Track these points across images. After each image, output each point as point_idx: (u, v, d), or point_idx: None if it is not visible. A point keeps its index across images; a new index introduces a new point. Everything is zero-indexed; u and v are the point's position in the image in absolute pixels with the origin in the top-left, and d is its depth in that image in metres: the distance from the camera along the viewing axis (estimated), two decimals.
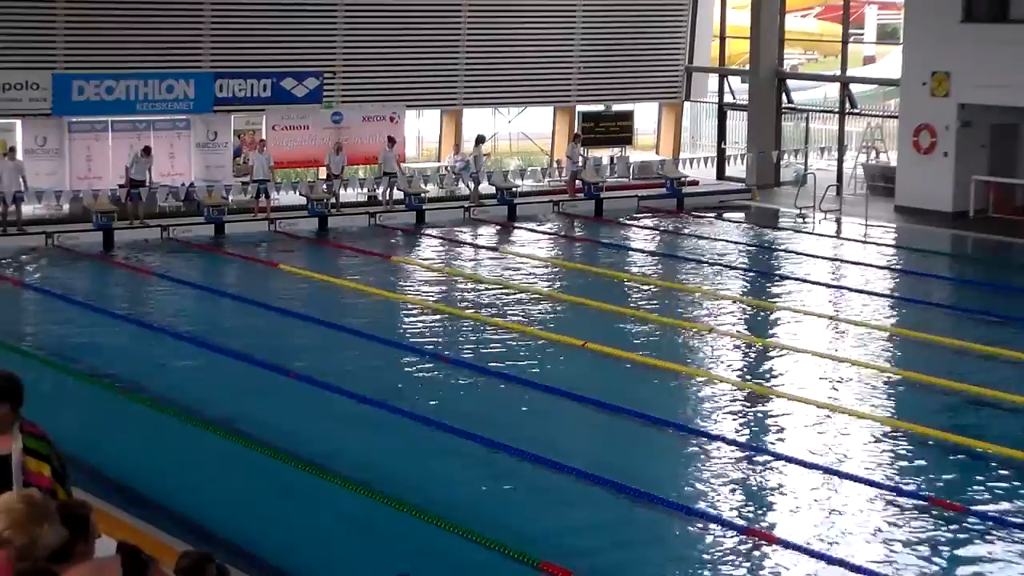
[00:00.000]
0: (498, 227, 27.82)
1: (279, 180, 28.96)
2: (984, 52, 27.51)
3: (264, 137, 28.52)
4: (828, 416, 14.70)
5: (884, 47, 41.89)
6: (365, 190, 29.98)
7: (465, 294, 21.32)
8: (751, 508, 11.98)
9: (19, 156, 25.87)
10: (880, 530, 11.50)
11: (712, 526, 11.46)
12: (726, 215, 29.88)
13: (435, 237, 26.64)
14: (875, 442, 13.93)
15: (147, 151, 26.38)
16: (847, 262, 24.49)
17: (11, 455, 6.50)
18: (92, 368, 16.19)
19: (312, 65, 29.43)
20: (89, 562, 4.80)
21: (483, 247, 25.91)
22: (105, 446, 13.46)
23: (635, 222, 28.43)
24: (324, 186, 28.23)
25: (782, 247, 26.02)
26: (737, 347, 18.12)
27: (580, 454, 13.22)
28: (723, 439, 13.85)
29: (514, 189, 29.70)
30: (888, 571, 10.54)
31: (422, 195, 28.46)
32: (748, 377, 16.53)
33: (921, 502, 12.01)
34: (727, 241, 26.45)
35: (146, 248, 24.90)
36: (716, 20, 35.20)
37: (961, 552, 11.09)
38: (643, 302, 20.71)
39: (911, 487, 12.46)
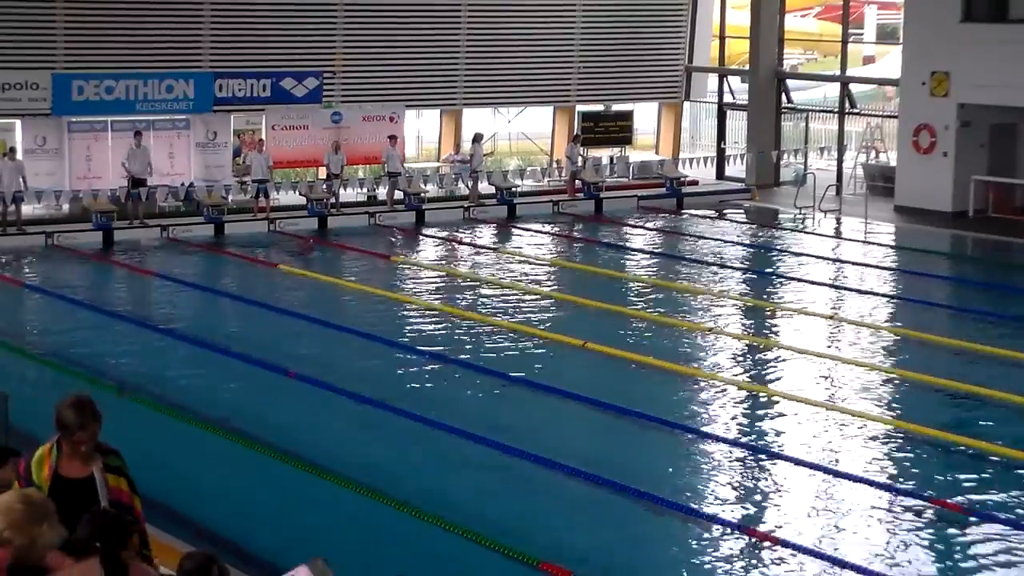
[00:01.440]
0: (498, 227, 27.82)
1: (279, 180, 28.97)
2: (983, 52, 27.51)
3: (263, 137, 28.54)
4: (828, 416, 14.71)
5: (884, 47, 41.90)
6: (365, 190, 29.99)
7: (465, 294, 21.32)
8: (751, 508, 11.98)
9: (19, 156, 25.87)
10: (880, 530, 11.51)
11: (712, 526, 11.46)
12: (726, 215, 29.89)
13: (435, 237, 26.64)
14: (875, 442, 13.93)
15: (137, 136, 26.37)
16: (847, 262, 24.48)
17: (94, 476, 6.62)
18: (92, 368, 16.18)
19: (312, 65, 29.43)
20: (71, 565, 4.79)
21: (483, 247, 25.90)
22: None
23: (635, 222, 28.42)
24: (324, 186, 28.23)
25: (782, 247, 26.02)
26: (737, 347, 18.12)
27: (580, 454, 13.22)
28: (723, 439, 13.85)
29: (514, 189, 29.70)
30: (888, 571, 10.54)
31: (422, 195, 28.46)
32: (748, 377, 16.53)
33: (921, 502, 12.01)
34: (727, 241, 26.45)
35: (145, 247, 24.88)
36: (716, 20, 35.21)
37: (961, 552, 11.09)
38: (643, 302, 20.72)
39: (911, 487, 12.46)
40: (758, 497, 12.34)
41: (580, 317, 19.43)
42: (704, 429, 14.20)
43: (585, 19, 32.77)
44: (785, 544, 10.97)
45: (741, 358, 17.66)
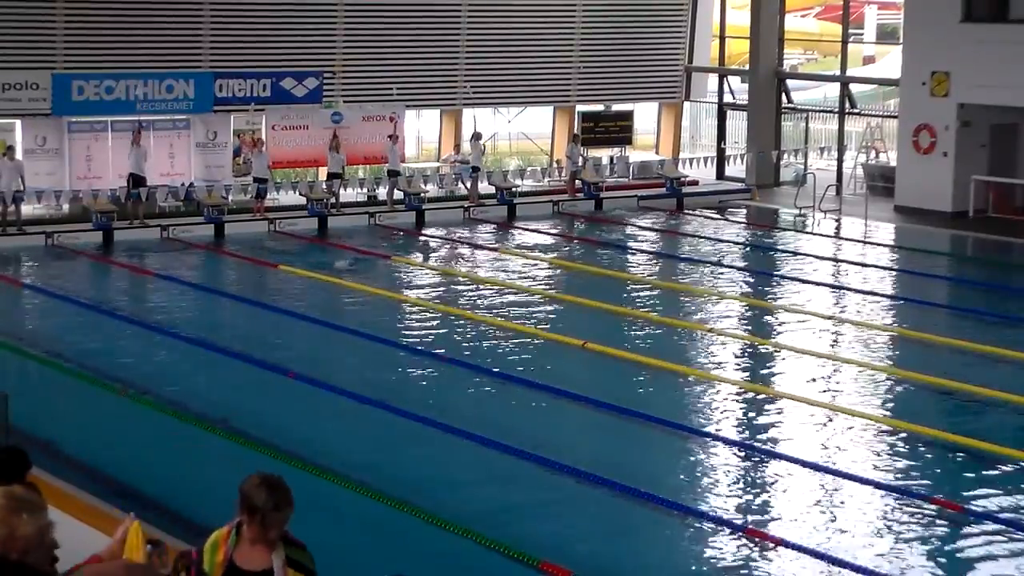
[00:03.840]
0: (498, 227, 27.82)
1: (278, 180, 28.96)
2: (984, 52, 27.51)
3: (263, 137, 28.53)
4: (828, 416, 14.71)
5: (884, 47, 41.90)
6: (365, 190, 29.98)
7: (465, 294, 21.31)
8: (751, 508, 11.98)
9: (19, 156, 25.88)
10: (880, 530, 11.50)
11: (712, 526, 11.46)
12: (726, 215, 29.89)
13: (435, 237, 26.63)
14: (875, 442, 13.93)
15: (135, 134, 26.39)
16: (847, 262, 24.49)
17: (272, 570, 5.84)
18: (92, 368, 16.18)
19: (312, 65, 29.43)
20: None
21: (483, 247, 25.90)
22: (105, 445, 13.47)
23: (635, 222, 28.41)
24: (324, 186, 28.22)
25: (782, 247, 26.02)
26: (737, 347, 18.12)
27: (580, 454, 13.22)
28: (723, 439, 13.85)
29: (514, 189, 29.70)
30: (888, 571, 10.54)
31: (422, 195, 28.45)
32: (748, 377, 16.53)
33: (921, 502, 12.01)
34: (727, 241, 26.45)
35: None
36: (716, 20, 35.21)
37: (961, 552, 11.10)
38: (643, 302, 20.71)
39: (911, 487, 12.46)
40: (758, 497, 12.34)
41: (580, 317, 19.42)
42: (704, 429, 14.20)
43: (585, 19, 32.77)
44: (785, 544, 10.97)
45: (741, 358, 17.66)
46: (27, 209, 26.08)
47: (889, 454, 13.59)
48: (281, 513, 5.73)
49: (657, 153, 34.86)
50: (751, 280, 22.75)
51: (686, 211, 29.89)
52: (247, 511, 5.79)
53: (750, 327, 19.35)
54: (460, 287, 21.95)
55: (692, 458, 13.48)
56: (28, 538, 4.59)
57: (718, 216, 29.77)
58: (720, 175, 34.09)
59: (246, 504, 5.80)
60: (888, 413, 14.96)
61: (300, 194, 28.06)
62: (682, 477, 12.84)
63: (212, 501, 11.94)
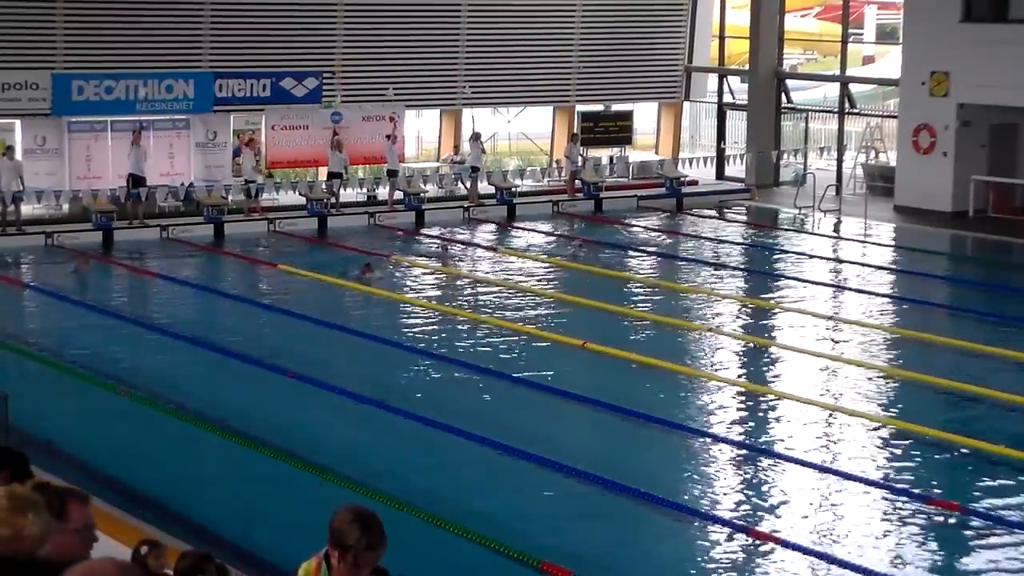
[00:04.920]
0: (497, 227, 27.82)
1: (278, 180, 28.94)
2: (984, 52, 27.50)
3: (253, 136, 28.49)
4: (828, 416, 14.71)
5: (883, 47, 41.90)
6: (365, 190, 29.96)
7: (465, 294, 21.32)
8: (751, 508, 11.98)
9: (18, 156, 25.86)
10: (880, 530, 11.51)
11: (712, 526, 11.47)
12: (726, 215, 29.89)
13: (435, 237, 26.62)
14: (875, 442, 13.94)
15: (135, 134, 26.40)
16: (846, 262, 24.49)
17: None
18: (92, 368, 16.18)
19: (312, 65, 29.42)
20: None
21: (483, 247, 25.89)
22: (105, 445, 13.47)
23: (635, 221, 28.40)
24: (324, 186, 28.19)
25: (782, 247, 26.02)
26: (737, 347, 18.12)
27: (580, 454, 13.22)
28: (723, 439, 13.86)
29: (514, 189, 29.68)
30: (888, 571, 10.55)
31: (422, 195, 28.44)
32: (748, 377, 16.53)
33: (921, 502, 12.02)
34: (727, 241, 26.45)
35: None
36: (716, 20, 35.20)
37: (961, 552, 11.11)
38: (643, 302, 20.71)
39: (911, 487, 12.46)
40: (758, 497, 12.34)
41: (580, 317, 19.42)
42: (704, 429, 14.21)
43: (585, 19, 32.76)
44: (785, 544, 10.97)
45: (741, 358, 17.66)
46: (27, 209, 26.07)
47: (889, 454, 13.60)
48: (375, 552, 5.39)
49: (657, 153, 34.84)
50: (751, 280, 22.75)
51: (686, 211, 29.87)
52: (339, 548, 5.42)
53: (750, 327, 19.34)
54: (460, 287, 21.95)
55: (692, 458, 13.49)
56: (34, 538, 4.57)
57: (718, 216, 29.76)
58: (720, 175, 34.05)
59: (337, 541, 5.42)
60: (888, 413, 14.96)
61: (300, 194, 28.03)
62: (682, 477, 12.84)
63: (211, 501, 11.98)
